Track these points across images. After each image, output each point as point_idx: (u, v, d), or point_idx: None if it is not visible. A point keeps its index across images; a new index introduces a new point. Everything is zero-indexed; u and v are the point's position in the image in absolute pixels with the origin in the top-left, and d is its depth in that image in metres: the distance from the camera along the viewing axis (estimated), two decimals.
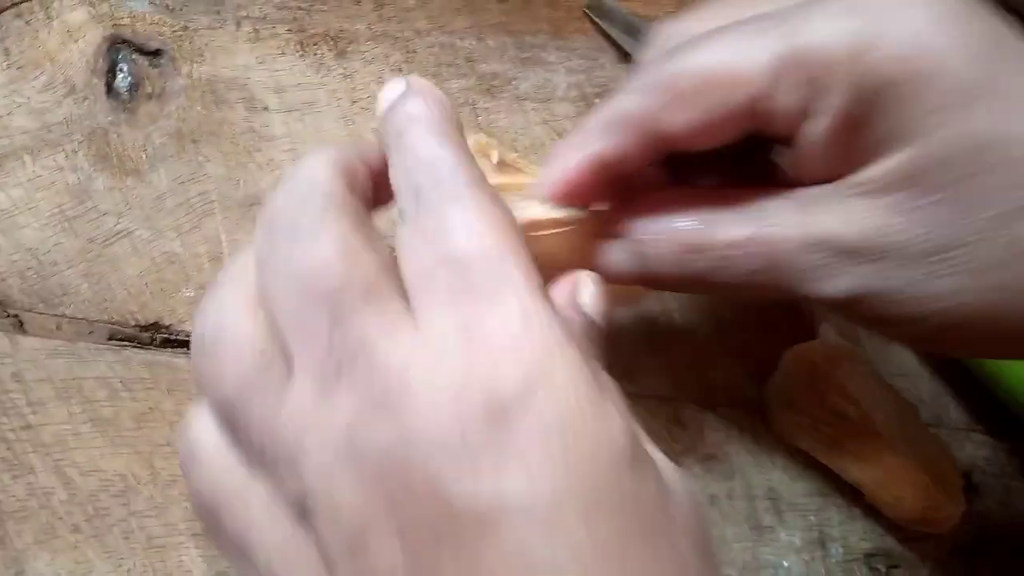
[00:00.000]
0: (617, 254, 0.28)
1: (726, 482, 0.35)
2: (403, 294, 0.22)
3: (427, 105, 0.24)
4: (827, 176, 0.25)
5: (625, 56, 0.40)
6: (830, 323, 0.36)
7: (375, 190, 0.24)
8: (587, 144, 0.26)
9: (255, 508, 0.22)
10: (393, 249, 0.22)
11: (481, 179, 0.23)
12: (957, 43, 0.23)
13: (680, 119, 0.25)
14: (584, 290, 0.25)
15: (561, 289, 0.25)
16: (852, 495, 0.36)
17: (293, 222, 0.22)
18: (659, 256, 0.27)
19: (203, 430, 0.24)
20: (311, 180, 0.23)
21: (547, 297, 0.22)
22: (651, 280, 0.28)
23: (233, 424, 0.23)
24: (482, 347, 0.20)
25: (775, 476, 0.36)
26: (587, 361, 0.21)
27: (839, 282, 0.25)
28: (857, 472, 0.35)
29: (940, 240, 0.24)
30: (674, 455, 0.35)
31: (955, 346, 0.31)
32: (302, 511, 0.21)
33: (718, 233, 0.26)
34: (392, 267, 0.23)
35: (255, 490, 0.23)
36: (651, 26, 0.38)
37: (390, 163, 0.24)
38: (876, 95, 0.23)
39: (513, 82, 0.38)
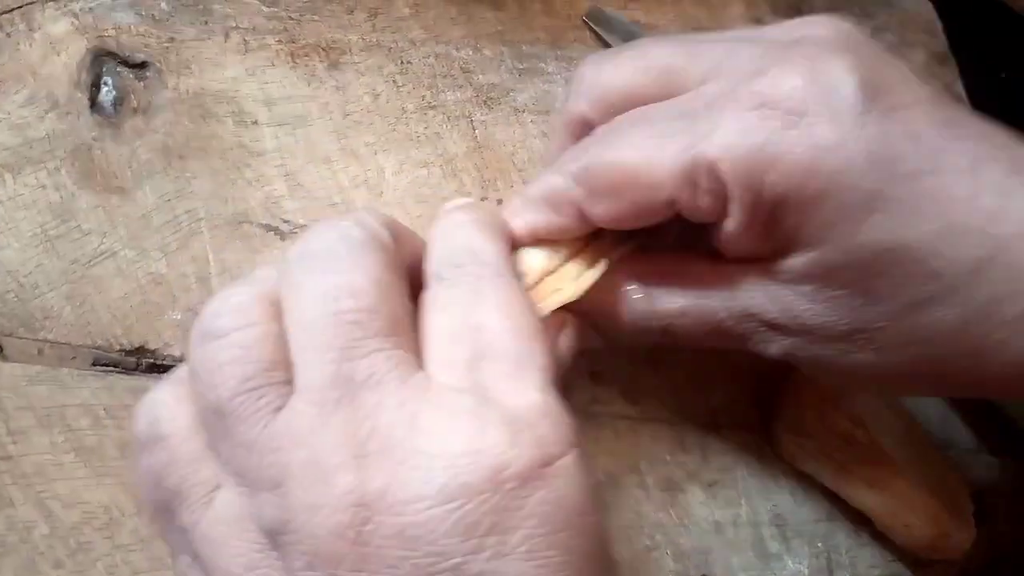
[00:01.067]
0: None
1: (731, 509, 0.34)
2: (415, 344, 0.23)
3: (482, 213, 0.27)
4: (753, 256, 0.27)
5: None
6: None
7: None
8: (526, 214, 0.28)
9: (221, 514, 0.22)
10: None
11: (517, 275, 0.26)
12: (855, 159, 0.25)
13: (602, 210, 0.27)
14: (563, 338, 0.28)
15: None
16: (860, 519, 0.35)
17: (333, 249, 0.23)
18: (622, 316, 0.30)
19: (176, 410, 0.23)
20: (357, 219, 0.24)
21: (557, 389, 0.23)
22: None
23: (217, 425, 0.22)
24: (500, 418, 0.21)
25: (781, 501, 0.35)
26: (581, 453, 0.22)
27: (773, 346, 0.28)
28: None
29: (854, 324, 0.26)
30: (678, 482, 0.34)
31: (893, 390, 0.35)
32: (274, 532, 0.21)
33: (657, 304, 0.29)
34: (413, 320, 0.24)
35: (224, 496, 0.22)
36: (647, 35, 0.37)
37: (431, 246, 0.26)
38: (777, 209, 0.25)
39: (511, 93, 0.37)
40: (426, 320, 0.24)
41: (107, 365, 0.29)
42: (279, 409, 0.21)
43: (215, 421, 0.22)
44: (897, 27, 0.47)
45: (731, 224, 0.26)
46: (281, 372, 0.22)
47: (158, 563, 0.28)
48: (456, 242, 0.25)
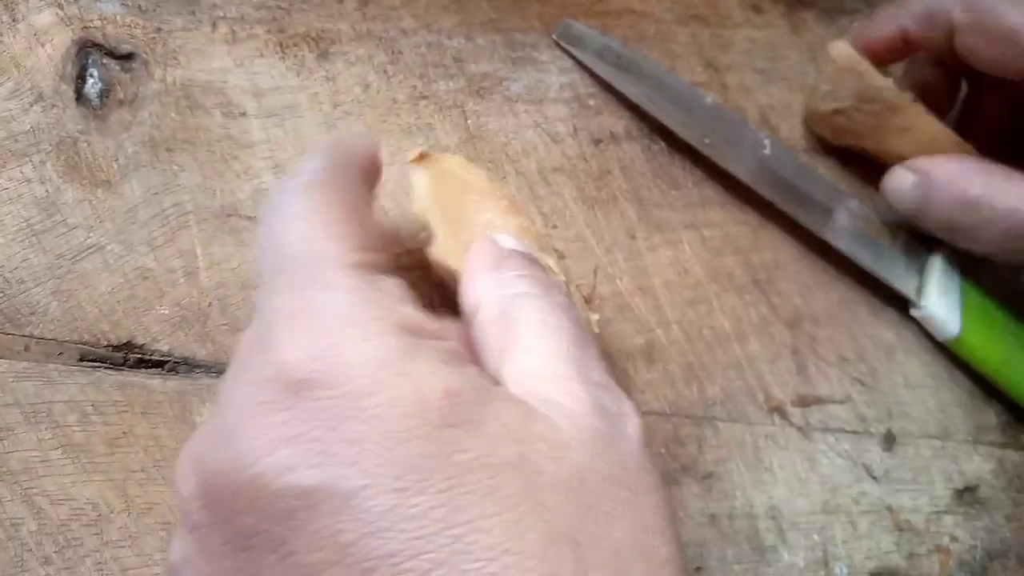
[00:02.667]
0: (904, 179, 0.37)
1: (727, 501, 0.34)
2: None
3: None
4: None
5: (600, 83, 0.38)
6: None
7: None
8: (900, 19, 0.36)
9: None
10: None
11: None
12: None
13: (975, 42, 0.34)
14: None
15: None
16: (855, 504, 0.35)
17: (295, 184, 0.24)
18: (940, 199, 0.35)
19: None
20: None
21: (357, 273, 0.22)
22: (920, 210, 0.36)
23: None
24: (281, 328, 0.21)
25: (777, 493, 0.35)
26: (390, 325, 0.21)
27: None
28: (900, 144, 0.38)
29: None
30: (674, 474, 0.33)
31: None
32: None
33: (996, 199, 0.34)
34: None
35: None
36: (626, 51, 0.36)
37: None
38: None
39: (504, 83, 0.36)
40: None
41: (94, 361, 0.29)
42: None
43: None
44: None
45: None
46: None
47: (147, 559, 0.28)
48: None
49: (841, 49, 0.38)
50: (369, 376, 0.20)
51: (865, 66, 0.37)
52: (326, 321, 0.21)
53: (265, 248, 0.23)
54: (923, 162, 0.36)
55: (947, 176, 0.35)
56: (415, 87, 0.35)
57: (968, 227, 0.35)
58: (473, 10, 0.37)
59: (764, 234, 0.38)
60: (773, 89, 0.41)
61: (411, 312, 0.22)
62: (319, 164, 0.24)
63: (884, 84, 0.37)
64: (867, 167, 0.40)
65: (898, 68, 0.40)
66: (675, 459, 0.34)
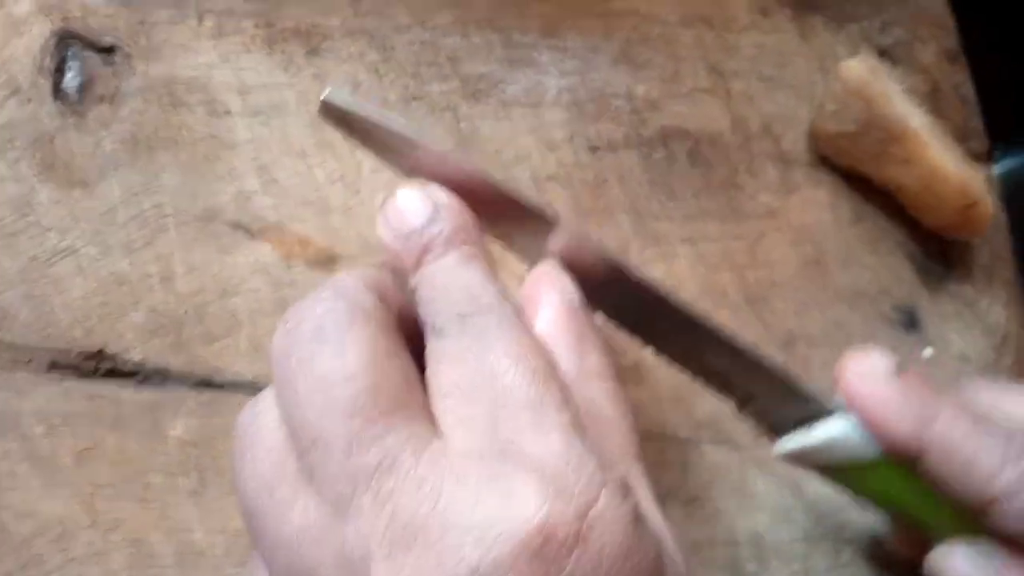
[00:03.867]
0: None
1: (708, 527, 0.33)
2: (425, 409, 0.22)
3: (460, 230, 0.25)
4: None
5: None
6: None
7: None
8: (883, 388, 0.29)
9: None
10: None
11: (520, 310, 0.24)
12: None
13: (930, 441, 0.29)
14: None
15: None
16: (839, 532, 0.34)
17: (318, 332, 0.22)
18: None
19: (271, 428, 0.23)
20: (337, 288, 0.23)
21: (580, 426, 0.22)
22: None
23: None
24: (524, 477, 0.20)
25: (760, 520, 0.34)
26: (625, 489, 0.21)
27: None
28: (900, 174, 0.38)
29: None
30: (657, 498, 0.33)
31: None
32: None
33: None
34: (416, 379, 0.23)
35: None
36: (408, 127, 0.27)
37: (416, 278, 0.25)
38: None
39: (499, 85, 0.35)
40: (435, 377, 0.23)
41: (64, 368, 0.28)
42: (294, 502, 0.22)
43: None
44: (909, 21, 0.45)
45: None
46: (294, 467, 0.22)
47: None
48: (453, 290, 0.24)
49: (852, 70, 0.37)
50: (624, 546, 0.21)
51: (874, 91, 0.36)
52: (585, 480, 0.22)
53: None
54: (992, 552, 0.30)
55: None
56: (407, 87, 0.34)
57: None
58: (470, 7, 0.35)
59: (761, 251, 0.37)
60: (779, 97, 0.40)
61: None
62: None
63: (890, 113, 0.36)
64: (869, 189, 0.39)
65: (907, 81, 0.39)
66: (659, 483, 0.33)
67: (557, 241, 0.28)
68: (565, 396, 0.23)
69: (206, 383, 0.29)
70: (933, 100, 0.44)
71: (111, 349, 0.29)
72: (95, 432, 0.28)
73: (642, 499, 0.24)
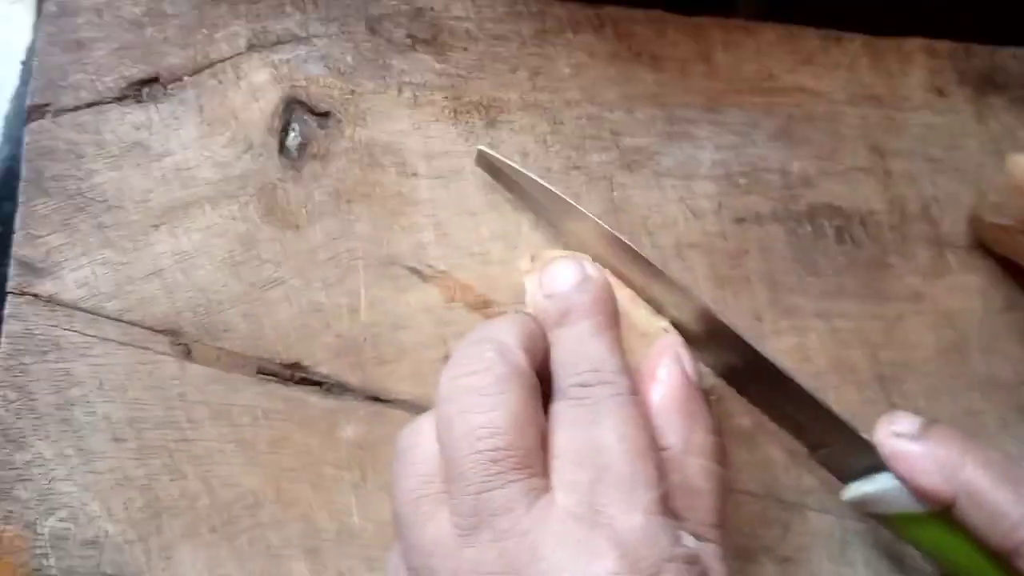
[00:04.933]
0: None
1: None
2: (546, 465, 0.28)
3: (599, 302, 0.31)
4: None
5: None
6: None
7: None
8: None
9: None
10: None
11: (635, 387, 0.29)
12: None
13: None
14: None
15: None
16: None
17: (478, 382, 0.28)
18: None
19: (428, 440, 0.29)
20: (500, 348, 0.28)
21: (668, 506, 0.27)
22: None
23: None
24: (610, 543, 0.25)
25: None
26: (694, 560, 0.26)
27: None
28: None
29: None
30: (752, 553, 0.36)
31: None
32: None
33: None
34: (543, 437, 0.28)
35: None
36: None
37: (554, 337, 0.30)
38: None
39: (656, 156, 0.38)
40: (554, 437, 0.28)
41: (268, 374, 0.35)
42: (433, 516, 0.27)
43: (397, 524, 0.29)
44: None
45: None
46: (438, 487, 0.28)
47: (287, 543, 0.34)
48: (580, 359, 0.29)
49: (1019, 165, 0.37)
50: None
51: None
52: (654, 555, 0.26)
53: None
54: None
55: None
56: (570, 157, 0.38)
57: None
58: (638, 83, 0.39)
59: (899, 332, 0.39)
60: (942, 179, 0.40)
61: None
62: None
63: None
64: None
65: None
66: (757, 539, 0.36)
67: (682, 313, 0.33)
68: (658, 475, 0.27)
69: (375, 398, 0.36)
70: None
71: (305, 363, 0.35)
72: (286, 427, 0.35)
73: (711, 567, 0.27)
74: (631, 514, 0.26)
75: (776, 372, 0.33)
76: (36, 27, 0.43)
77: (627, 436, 0.27)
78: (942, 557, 0.33)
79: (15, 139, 0.40)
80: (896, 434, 0.32)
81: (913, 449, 0.32)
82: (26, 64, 0.42)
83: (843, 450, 0.34)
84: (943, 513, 0.31)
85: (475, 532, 0.26)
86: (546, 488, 0.27)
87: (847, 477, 0.34)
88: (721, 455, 0.30)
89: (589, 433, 0.28)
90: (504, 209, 0.37)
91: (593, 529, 0.26)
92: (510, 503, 0.26)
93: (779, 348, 0.38)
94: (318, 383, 0.35)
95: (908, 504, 0.32)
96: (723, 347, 0.33)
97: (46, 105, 0.36)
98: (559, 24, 0.39)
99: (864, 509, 0.34)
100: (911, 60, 0.42)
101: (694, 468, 0.29)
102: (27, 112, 0.36)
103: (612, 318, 0.31)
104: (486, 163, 0.36)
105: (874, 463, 0.33)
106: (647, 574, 0.25)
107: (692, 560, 0.26)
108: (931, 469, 0.31)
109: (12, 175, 0.38)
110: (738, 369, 0.34)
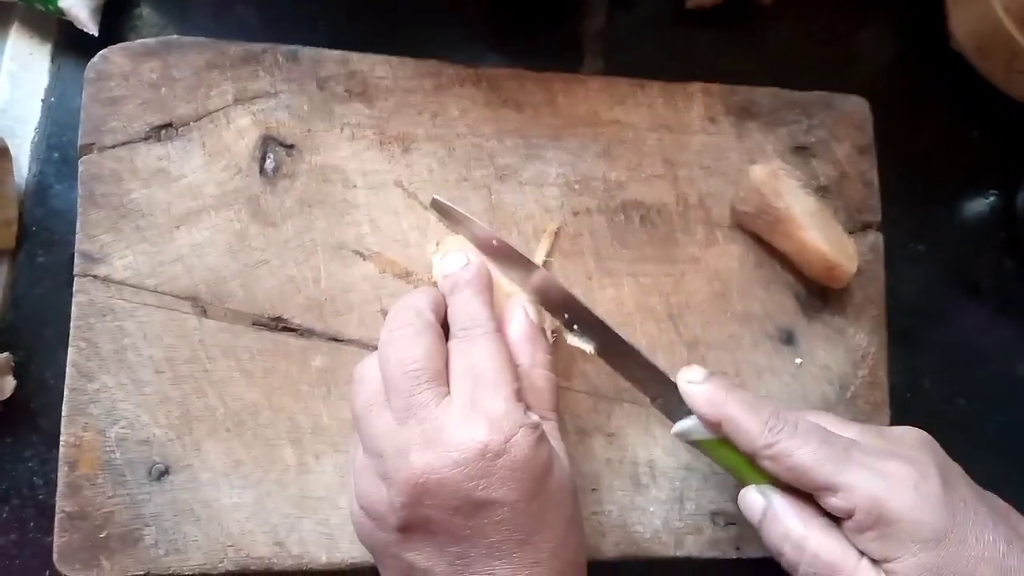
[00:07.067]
0: (754, 503, 0.46)
1: (619, 452, 0.54)
2: (447, 379, 0.44)
3: (477, 277, 0.47)
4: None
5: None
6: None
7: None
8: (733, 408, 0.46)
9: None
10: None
11: (500, 327, 0.46)
12: (931, 503, 0.42)
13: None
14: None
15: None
16: (708, 471, 0.55)
17: (405, 332, 0.44)
18: (772, 532, 0.45)
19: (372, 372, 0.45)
20: (417, 309, 0.45)
21: (520, 397, 0.43)
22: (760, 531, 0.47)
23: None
24: (484, 420, 0.42)
25: (656, 452, 0.55)
26: (536, 427, 0.42)
27: None
28: (782, 244, 0.58)
29: None
30: (589, 430, 0.54)
31: None
32: (380, 476, 0.43)
33: (809, 542, 0.44)
34: (446, 363, 0.45)
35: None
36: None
37: (449, 300, 0.47)
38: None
39: (519, 171, 0.56)
40: (451, 362, 0.44)
41: (260, 325, 0.52)
42: (380, 415, 0.43)
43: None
44: (831, 124, 0.63)
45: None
46: (382, 398, 0.43)
47: (278, 436, 0.51)
48: (464, 313, 0.46)
49: (756, 173, 0.56)
50: (527, 456, 0.41)
51: (768, 188, 0.55)
52: (511, 421, 0.42)
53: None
54: (769, 491, 0.46)
55: (782, 510, 0.45)
56: (460, 173, 0.56)
57: (787, 562, 0.45)
58: (505, 121, 0.57)
59: (683, 284, 0.58)
60: (713, 181, 0.60)
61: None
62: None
63: (778, 204, 0.55)
64: (772, 249, 0.59)
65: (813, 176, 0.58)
66: (591, 422, 0.55)
67: (533, 279, 0.50)
68: (513, 379, 0.43)
69: (334, 339, 0.53)
70: (840, 184, 0.62)
71: (285, 316, 0.52)
72: (274, 360, 0.51)
73: (548, 432, 0.44)
74: (496, 402, 0.42)
75: (603, 325, 0.49)
76: (51, 71, 0.58)
77: (493, 357, 0.44)
78: (728, 467, 0.48)
79: (42, 159, 0.56)
80: (688, 381, 0.48)
81: (697, 390, 0.47)
82: (45, 101, 0.57)
83: (670, 399, 0.48)
84: (725, 438, 0.46)
85: (406, 421, 0.42)
86: (447, 393, 0.43)
87: (674, 419, 0.49)
88: (554, 368, 0.48)
89: (470, 358, 0.44)
90: (418, 209, 0.54)
91: (473, 412, 0.42)
92: (426, 401, 0.42)
93: (603, 298, 0.56)
94: (294, 330, 0.52)
95: (705, 433, 0.47)
96: (565, 305, 0.50)
97: (92, 144, 0.52)
98: (451, 80, 0.57)
99: (685, 439, 0.48)
100: (692, 98, 0.61)
101: (536, 376, 0.46)
102: (79, 150, 0.51)
103: (486, 287, 0.47)
104: (438, 207, 0.53)
105: (691, 409, 0.47)
106: (507, 435, 0.41)
107: (536, 427, 0.43)
108: (706, 404, 0.46)
109: (41, 186, 0.54)
110: (578, 322, 0.51)
